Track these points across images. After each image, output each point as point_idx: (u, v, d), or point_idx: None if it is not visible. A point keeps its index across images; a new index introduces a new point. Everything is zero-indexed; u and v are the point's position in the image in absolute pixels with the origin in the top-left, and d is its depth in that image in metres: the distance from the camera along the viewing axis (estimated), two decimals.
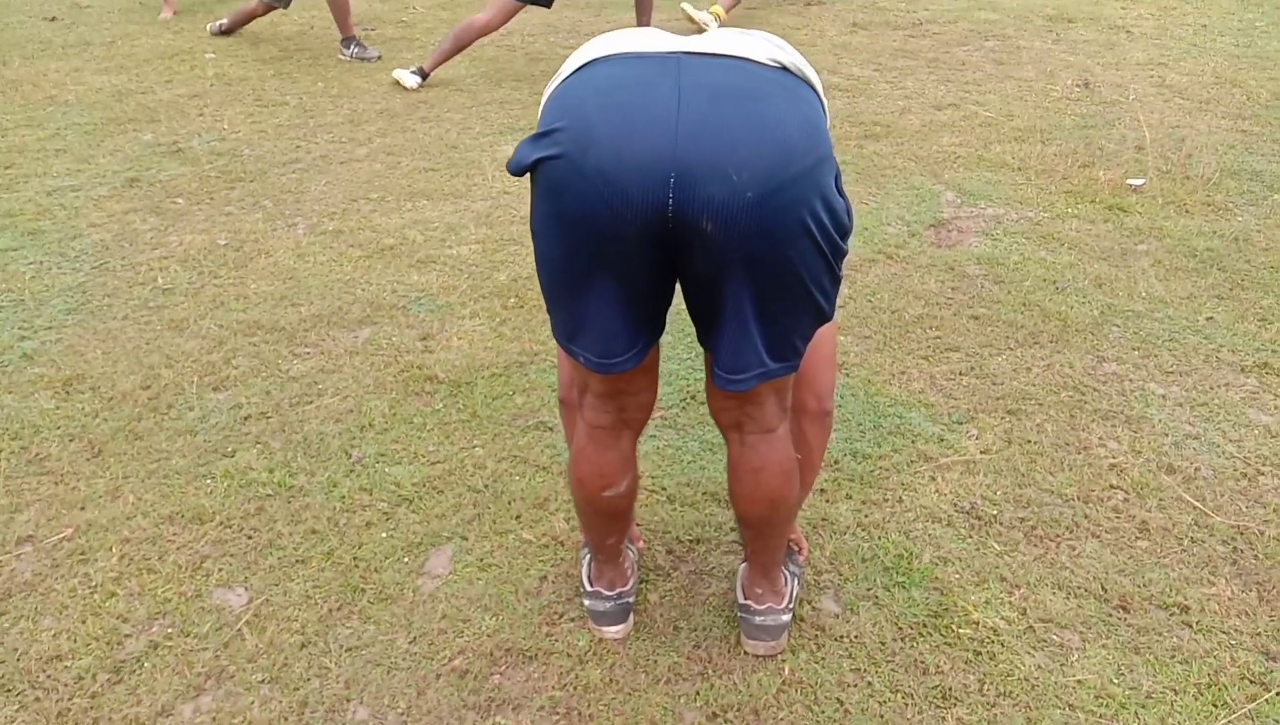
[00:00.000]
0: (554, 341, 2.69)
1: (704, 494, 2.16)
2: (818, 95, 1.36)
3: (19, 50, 5.63)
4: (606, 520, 1.74)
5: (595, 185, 1.25)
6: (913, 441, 2.32)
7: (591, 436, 1.64)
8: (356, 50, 5.47)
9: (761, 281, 1.35)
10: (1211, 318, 2.84)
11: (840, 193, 1.37)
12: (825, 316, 1.47)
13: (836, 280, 1.44)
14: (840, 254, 1.40)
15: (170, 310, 2.93)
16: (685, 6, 6.01)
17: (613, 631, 1.82)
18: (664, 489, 2.18)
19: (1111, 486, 2.19)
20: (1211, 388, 2.53)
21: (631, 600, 1.84)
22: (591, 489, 1.67)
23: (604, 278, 1.37)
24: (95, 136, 4.32)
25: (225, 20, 5.94)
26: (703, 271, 1.37)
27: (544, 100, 1.39)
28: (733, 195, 1.24)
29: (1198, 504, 2.13)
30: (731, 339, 1.42)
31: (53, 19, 6.37)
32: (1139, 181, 3.75)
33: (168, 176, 3.90)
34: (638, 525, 2.06)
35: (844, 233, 1.39)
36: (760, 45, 1.33)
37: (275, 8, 5.69)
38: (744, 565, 1.83)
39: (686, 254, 1.34)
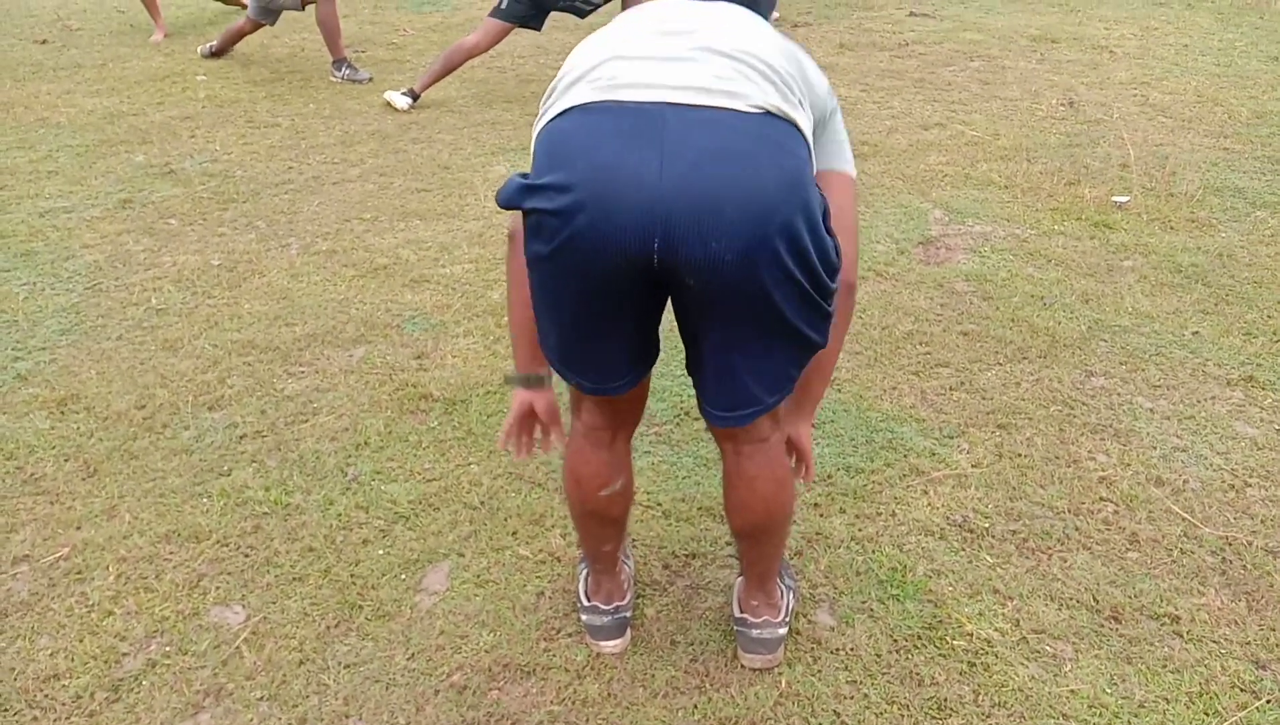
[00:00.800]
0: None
1: (699, 509, 2.18)
2: (801, 134, 1.34)
3: (10, 73, 5.65)
4: (602, 525, 1.75)
5: (587, 241, 1.29)
6: (905, 456, 2.35)
7: (587, 436, 1.67)
8: (348, 72, 5.50)
9: (748, 328, 1.39)
10: (1197, 332, 2.88)
11: (829, 231, 1.38)
12: (818, 347, 1.50)
13: (827, 316, 1.47)
14: (829, 292, 1.42)
15: (164, 330, 2.93)
16: None
17: (610, 646, 1.83)
18: (659, 504, 2.20)
19: (1101, 499, 2.21)
20: (1198, 401, 2.56)
21: (629, 615, 1.85)
22: (588, 489, 1.68)
23: (596, 320, 1.43)
24: (87, 158, 4.34)
25: (215, 42, 5.97)
26: (690, 313, 1.44)
27: (536, 131, 1.39)
28: (714, 257, 1.27)
29: (1186, 515, 2.16)
30: (723, 382, 1.49)
31: (43, 41, 6.39)
32: (1124, 199, 3.79)
33: (160, 197, 3.92)
34: (633, 542, 2.07)
35: (833, 271, 1.40)
36: (751, 77, 1.31)
37: (263, 24, 5.73)
38: (740, 579, 1.84)
39: (675, 292, 1.42)
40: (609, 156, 1.26)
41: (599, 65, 1.34)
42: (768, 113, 1.29)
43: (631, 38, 1.38)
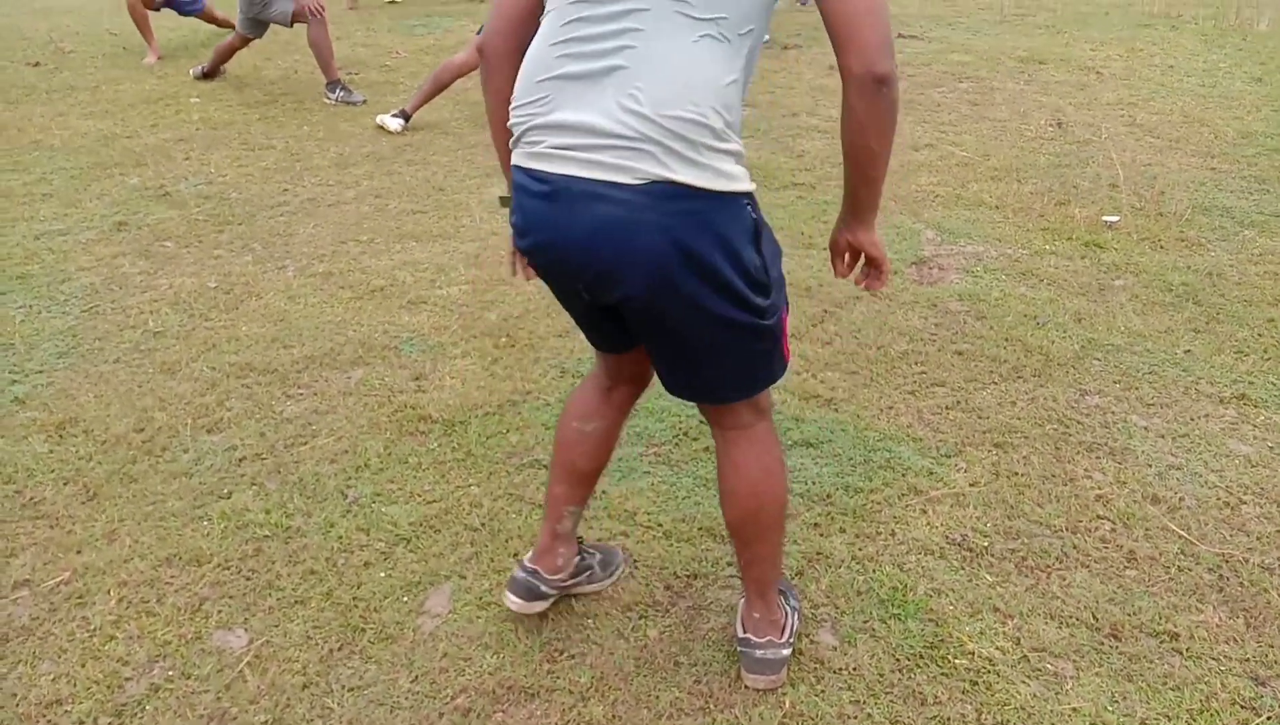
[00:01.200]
0: (545, 380, 2.75)
1: (700, 529, 2.18)
2: (688, 188, 1.38)
3: (3, 95, 5.65)
4: (565, 465, 1.86)
5: (545, 274, 1.61)
6: (903, 475, 2.36)
7: (593, 378, 1.86)
8: (341, 94, 5.53)
9: (683, 342, 1.56)
10: (1189, 351, 2.91)
11: (759, 250, 1.48)
12: (769, 343, 1.58)
13: (765, 326, 1.54)
14: (760, 310, 1.51)
15: (162, 353, 2.94)
16: None
17: (511, 600, 1.90)
18: (660, 525, 2.20)
19: (1098, 517, 2.23)
20: (1192, 419, 2.59)
21: (543, 589, 1.90)
22: (568, 413, 1.86)
23: (576, 309, 1.70)
24: (82, 181, 4.34)
25: (206, 62, 5.98)
26: (632, 326, 1.61)
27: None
28: (626, 299, 1.49)
29: (1183, 533, 2.17)
30: (676, 375, 1.67)
31: (36, 64, 6.40)
32: (1114, 218, 3.83)
33: (156, 220, 3.92)
34: (634, 561, 2.08)
35: (761, 290, 1.50)
36: (646, 146, 1.36)
37: (251, 39, 5.74)
38: (743, 600, 1.85)
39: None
40: (539, 220, 1.49)
41: (530, 130, 1.46)
42: (654, 181, 1.38)
43: (551, 88, 1.43)
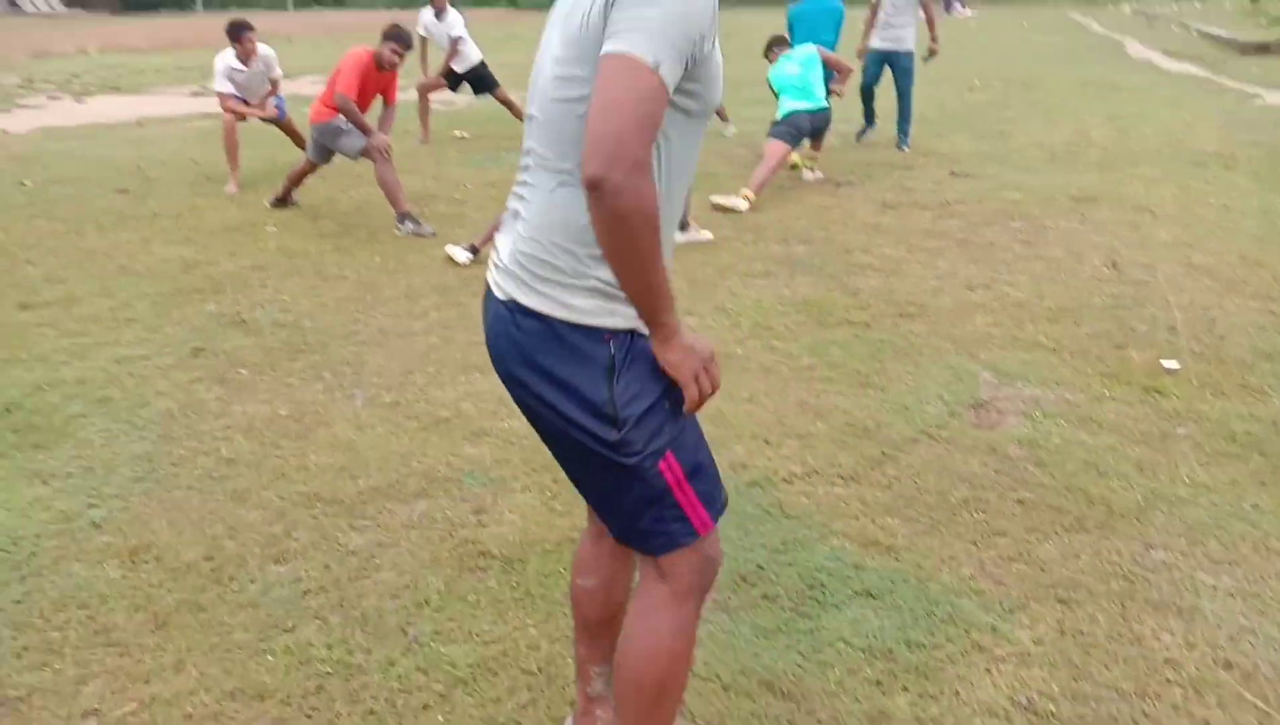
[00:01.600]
0: None
1: (759, 683, 2.16)
2: (530, 312, 1.50)
3: (94, 221, 5.98)
4: (579, 619, 1.88)
5: None
6: (966, 631, 2.33)
7: (586, 527, 1.89)
8: (412, 226, 5.76)
9: (572, 473, 1.66)
10: (1256, 504, 2.86)
11: (610, 386, 1.49)
12: (655, 522, 1.58)
13: (633, 473, 1.53)
14: (610, 444, 1.50)
15: (233, 481, 3.02)
16: (715, 198, 6.30)
17: None
18: (718, 677, 2.19)
19: (1168, 681, 2.18)
20: (1262, 578, 2.53)
21: None
22: (573, 571, 1.90)
23: None
24: (163, 306, 4.55)
25: (279, 190, 6.30)
26: None
27: None
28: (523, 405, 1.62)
29: (1260, 704, 2.11)
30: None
31: (125, 191, 6.77)
32: (1174, 365, 3.82)
33: (232, 347, 4.08)
34: (691, 716, 2.06)
35: (609, 422, 1.49)
36: (516, 273, 1.53)
37: (319, 165, 6.08)
38: None
39: None
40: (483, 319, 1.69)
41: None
42: (510, 298, 1.55)
43: (505, 221, 1.64)
